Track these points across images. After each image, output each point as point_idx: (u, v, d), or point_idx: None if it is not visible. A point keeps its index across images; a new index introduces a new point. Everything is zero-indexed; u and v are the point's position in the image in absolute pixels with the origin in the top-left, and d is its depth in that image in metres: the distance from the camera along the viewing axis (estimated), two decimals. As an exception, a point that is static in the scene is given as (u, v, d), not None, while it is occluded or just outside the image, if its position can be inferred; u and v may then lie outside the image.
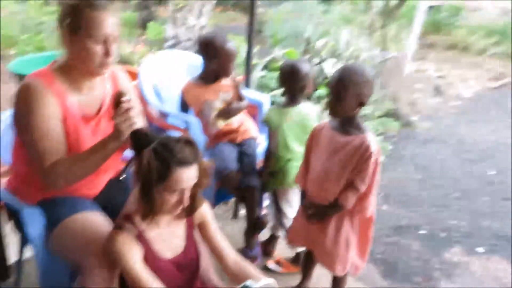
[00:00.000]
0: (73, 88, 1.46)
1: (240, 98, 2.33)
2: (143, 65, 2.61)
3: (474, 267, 2.51)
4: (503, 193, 3.40)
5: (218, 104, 2.24)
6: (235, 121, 2.31)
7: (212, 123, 2.26)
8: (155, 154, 1.23)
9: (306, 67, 2.06)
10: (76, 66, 1.43)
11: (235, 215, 2.65)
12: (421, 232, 2.82)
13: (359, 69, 1.70)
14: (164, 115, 2.44)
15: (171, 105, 2.61)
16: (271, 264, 2.27)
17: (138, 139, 1.32)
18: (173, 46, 6.71)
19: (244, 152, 2.25)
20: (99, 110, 1.53)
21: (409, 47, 5.79)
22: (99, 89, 1.54)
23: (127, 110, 1.36)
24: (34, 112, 1.35)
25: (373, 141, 1.70)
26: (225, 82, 2.28)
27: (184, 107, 2.32)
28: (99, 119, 1.52)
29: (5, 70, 3.48)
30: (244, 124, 2.35)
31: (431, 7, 11.95)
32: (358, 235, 1.84)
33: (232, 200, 2.66)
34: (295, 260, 2.28)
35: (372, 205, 1.76)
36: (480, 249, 2.67)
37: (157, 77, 2.61)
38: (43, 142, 1.37)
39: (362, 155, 1.68)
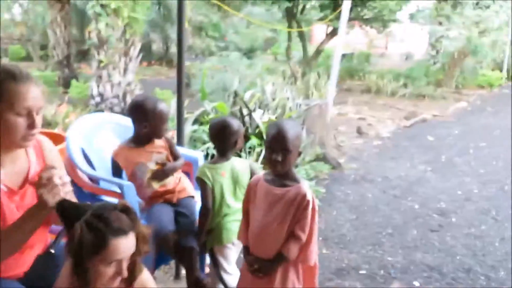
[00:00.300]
0: None
1: (175, 157, 2.32)
2: (70, 128, 2.50)
3: (414, 301, 2.61)
4: (429, 225, 3.65)
5: (152, 166, 2.21)
6: (170, 181, 2.27)
7: (146, 185, 2.21)
8: (88, 226, 1.17)
9: (236, 123, 2.13)
10: None
11: (177, 275, 2.56)
12: (361, 272, 2.90)
13: (291, 123, 1.80)
14: (95, 180, 2.33)
15: (102, 169, 2.51)
16: None
17: (66, 211, 1.25)
18: (98, 104, 6.55)
19: (180, 212, 2.20)
20: (24, 183, 1.44)
21: (329, 93, 6.21)
22: (22, 161, 1.46)
23: (50, 178, 1.30)
24: None
25: (309, 189, 1.77)
26: (158, 142, 2.26)
27: (117, 170, 2.24)
28: (24, 193, 1.44)
29: None
30: (180, 183, 2.32)
31: (343, 55, 13.05)
32: (303, 284, 1.85)
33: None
34: None
35: (315, 253, 1.80)
36: (416, 283, 2.79)
37: (85, 141, 2.50)
38: None
39: (299, 204, 1.73)
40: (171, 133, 3.29)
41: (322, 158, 4.91)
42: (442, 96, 10.47)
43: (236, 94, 5.28)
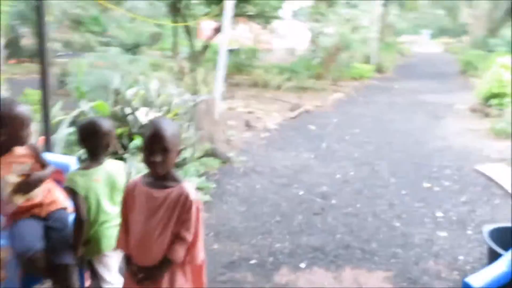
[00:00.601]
0: None
1: (42, 165, 2.09)
2: None
3: (300, 283, 2.76)
4: (312, 209, 3.90)
5: (12, 179, 1.96)
6: (38, 194, 2.04)
7: (8, 201, 1.95)
8: None
9: (106, 123, 2.00)
10: None
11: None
12: (252, 262, 2.98)
13: (167, 121, 1.74)
14: None
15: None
16: None
17: None
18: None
19: (51, 226, 2.00)
20: None
21: (217, 88, 6.23)
22: None
23: None
24: None
25: (191, 189, 1.73)
26: (20, 151, 2.01)
27: None
28: None
29: None
30: (49, 194, 2.10)
31: (231, 51, 13.24)
32: (192, 283, 1.82)
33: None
34: None
35: (201, 251, 1.77)
36: (303, 265, 2.96)
37: None
38: None
39: (183, 205, 1.69)
40: (41, 140, 2.97)
41: (211, 154, 4.92)
42: (322, 88, 11.26)
43: (117, 92, 4.98)
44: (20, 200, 1.99)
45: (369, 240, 3.31)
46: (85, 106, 4.42)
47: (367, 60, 15.13)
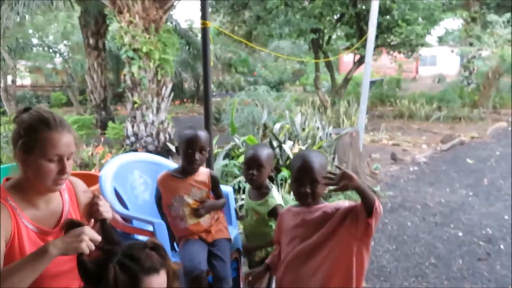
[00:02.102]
0: (27, 204, 1.41)
1: (218, 195, 2.27)
2: (103, 169, 2.57)
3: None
4: (475, 254, 3.43)
5: (188, 200, 2.16)
6: (206, 220, 2.21)
7: (180, 219, 2.19)
8: (120, 266, 1.17)
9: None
10: (30, 183, 1.40)
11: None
12: (405, 306, 2.74)
13: (314, 153, 1.76)
14: (128, 219, 2.36)
15: (134, 208, 2.55)
16: None
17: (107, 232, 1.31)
18: (133, 143, 6.76)
19: (216, 254, 2.13)
20: (58, 223, 1.47)
21: (360, 121, 6.13)
22: (56, 202, 1.50)
23: (80, 235, 1.29)
24: None
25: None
26: (201, 177, 2.21)
27: (160, 197, 2.23)
28: (58, 232, 1.45)
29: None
30: (218, 223, 2.26)
31: (373, 82, 12.96)
32: None
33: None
34: None
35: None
36: (466, 317, 2.60)
37: (117, 180, 2.56)
38: None
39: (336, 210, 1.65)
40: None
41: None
42: (479, 117, 10.11)
43: (265, 127, 5.31)
44: (190, 222, 2.18)
45: (555, 297, 2.74)
46: (237, 140, 4.81)
47: (536, 84, 13.09)
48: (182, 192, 2.16)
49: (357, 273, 1.66)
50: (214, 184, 2.24)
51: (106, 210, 1.49)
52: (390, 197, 4.87)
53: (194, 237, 2.18)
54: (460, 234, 3.83)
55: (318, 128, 5.47)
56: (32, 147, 1.35)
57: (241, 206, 3.73)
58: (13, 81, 12.85)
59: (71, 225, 1.33)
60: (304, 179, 1.68)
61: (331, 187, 1.62)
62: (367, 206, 1.51)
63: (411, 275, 3.14)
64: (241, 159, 4.44)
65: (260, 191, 2.14)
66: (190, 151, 2.11)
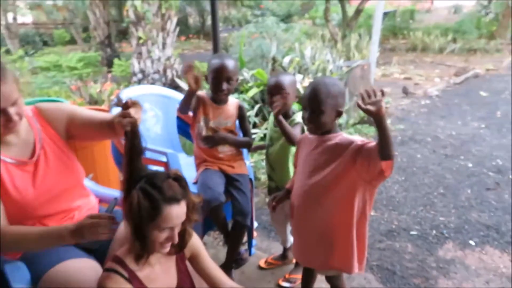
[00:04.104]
0: None
1: (244, 131, 2.26)
2: (114, 102, 2.55)
3: (469, 261, 2.51)
4: (484, 184, 3.47)
5: (213, 125, 2.16)
6: (226, 151, 2.21)
7: (201, 140, 2.18)
8: (144, 193, 1.20)
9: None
10: None
11: (226, 241, 2.57)
12: (412, 233, 2.82)
13: (331, 81, 1.70)
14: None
15: (146, 140, 2.56)
16: (283, 283, 2.25)
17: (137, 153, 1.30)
18: (140, 80, 6.68)
19: (237, 187, 2.14)
20: (33, 152, 1.49)
21: (372, 54, 5.94)
22: (26, 132, 1.50)
23: (96, 224, 1.31)
24: None
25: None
26: (229, 107, 2.19)
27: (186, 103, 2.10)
28: (36, 162, 1.48)
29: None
30: (239, 158, 2.27)
31: (385, 14, 12.41)
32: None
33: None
34: (284, 256, 2.41)
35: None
36: (472, 242, 2.68)
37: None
38: None
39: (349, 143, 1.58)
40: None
41: (366, 121, 4.75)
42: (496, 49, 9.75)
43: (274, 60, 5.17)
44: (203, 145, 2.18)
45: (561, 224, 2.80)
46: (246, 74, 4.71)
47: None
48: (210, 115, 2.16)
49: (360, 212, 1.62)
50: (241, 116, 2.22)
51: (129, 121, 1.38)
52: (400, 130, 4.85)
53: (214, 167, 2.19)
54: (470, 165, 3.85)
55: (328, 61, 5.33)
56: None
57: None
58: (14, 18, 12.52)
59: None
60: (308, 107, 1.63)
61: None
62: (384, 148, 1.39)
63: (419, 204, 3.20)
64: (250, 93, 4.39)
65: (285, 119, 2.04)
66: (217, 81, 2.07)
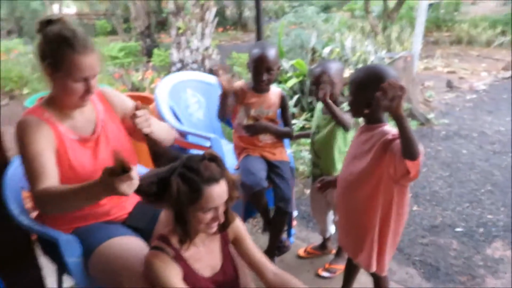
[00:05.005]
0: (64, 116, 1.49)
1: (285, 120, 2.25)
2: (158, 87, 2.59)
3: (520, 261, 2.39)
4: (536, 181, 3.29)
5: (254, 114, 2.16)
6: (267, 140, 2.20)
7: (241, 127, 2.18)
8: (182, 178, 1.20)
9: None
10: (60, 98, 1.46)
11: (265, 229, 2.57)
12: (458, 230, 2.71)
13: (375, 69, 1.63)
14: (183, 134, 2.40)
15: (188, 125, 2.59)
16: (323, 272, 2.24)
17: (158, 153, 1.30)
18: (179, 70, 6.77)
19: (279, 174, 2.12)
20: (95, 130, 1.55)
21: (415, 46, 5.73)
22: (89, 111, 1.56)
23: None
24: (25, 143, 1.38)
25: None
26: (271, 96, 2.18)
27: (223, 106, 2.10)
28: (97, 139, 1.54)
29: (23, 108, 3.50)
30: (278, 145, 2.25)
31: (430, 5, 11.94)
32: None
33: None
34: (323, 246, 2.39)
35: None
36: (523, 242, 2.55)
37: (172, 99, 2.59)
38: (32, 170, 1.36)
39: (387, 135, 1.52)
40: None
41: (409, 114, 4.60)
42: (550, 43, 9.17)
43: (314, 51, 5.10)
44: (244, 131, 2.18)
45: None
46: (285, 64, 4.67)
47: None
48: (251, 104, 2.15)
49: (384, 213, 1.57)
50: (283, 105, 2.20)
51: (145, 124, 1.47)
52: (444, 125, 4.67)
53: (255, 154, 2.18)
54: (520, 162, 3.66)
55: (369, 52, 5.19)
56: (58, 67, 1.37)
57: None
58: (60, 9, 12.98)
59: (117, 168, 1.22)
60: (349, 89, 1.60)
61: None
62: (405, 147, 1.32)
63: (465, 200, 3.07)
64: (289, 83, 4.34)
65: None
66: (258, 70, 2.06)
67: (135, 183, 1.16)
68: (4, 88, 5.51)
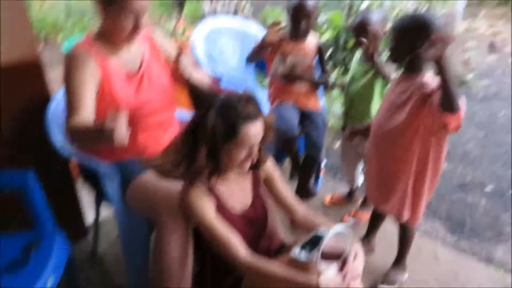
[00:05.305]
0: (112, 51, 1.53)
1: (323, 68, 2.25)
2: (194, 32, 2.60)
3: (550, 223, 2.37)
4: None
5: (290, 61, 2.15)
6: (301, 88, 2.21)
7: (275, 75, 2.20)
8: (219, 115, 1.21)
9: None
10: (110, 33, 1.50)
11: (291, 176, 2.62)
12: (487, 189, 2.69)
13: (420, 17, 1.57)
14: (218, 80, 2.42)
15: (223, 71, 2.60)
16: (348, 219, 2.31)
17: (197, 96, 1.33)
18: (212, 21, 6.70)
19: (312, 121, 2.15)
20: (140, 67, 1.59)
21: (458, 4, 5.43)
22: (136, 48, 1.60)
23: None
24: (69, 76, 1.44)
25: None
26: (308, 44, 2.18)
27: (258, 51, 2.17)
28: (142, 76, 1.58)
29: (60, 53, 3.59)
30: (311, 92, 2.26)
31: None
32: None
33: (287, 161, 2.63)
34: (349, 196, 2.43)
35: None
36: (555, 204, 2.51)
37: (207, 44, 2.59)
38: (69, 102, 1.43)
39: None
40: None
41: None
42: None
43: (351, 5, 4.91)
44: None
45: None
46: (320, 17, 4.53)
47: None
48: (288, 52, 2.14)
49: (422, 164, 1.59)
50: (320, 54, 2.20)
51: (188, 69, 1.56)
52: (483, 86, 4.49)
53: (289, 101, 2.19)
54: (560, 128, 3.52)
55: (410, 8, 4.96)
56: (112, 1, 1.41)
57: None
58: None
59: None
60: (393, 36, 1.56)
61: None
62: (444, 99, 1.35)
63: (498, 160, 3.02)
64: (324, 37, 4.25)
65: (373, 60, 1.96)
66: (295, 18, 2.05)
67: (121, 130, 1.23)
68: (39, 34, 5.61)
